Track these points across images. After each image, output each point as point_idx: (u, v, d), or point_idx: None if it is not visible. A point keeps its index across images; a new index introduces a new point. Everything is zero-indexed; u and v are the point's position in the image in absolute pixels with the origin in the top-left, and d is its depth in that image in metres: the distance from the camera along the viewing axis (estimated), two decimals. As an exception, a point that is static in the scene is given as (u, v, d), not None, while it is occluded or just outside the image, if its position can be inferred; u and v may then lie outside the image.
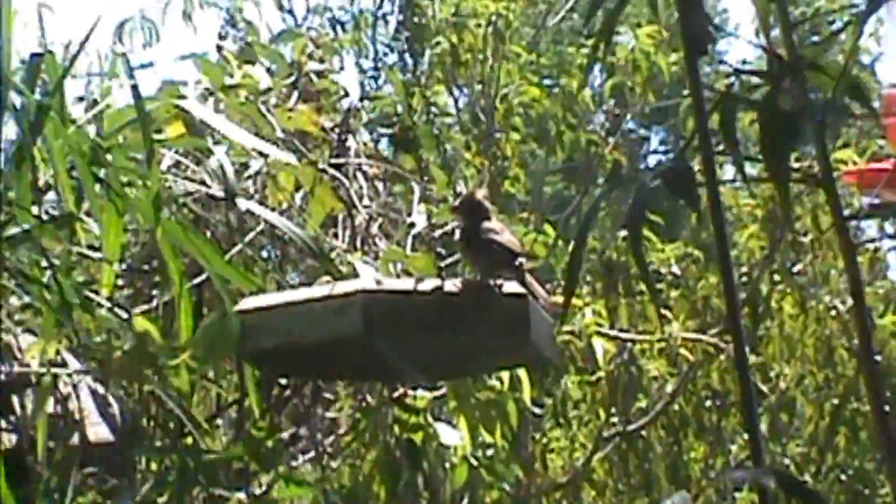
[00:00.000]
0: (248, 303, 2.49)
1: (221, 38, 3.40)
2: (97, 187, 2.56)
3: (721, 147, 1.89)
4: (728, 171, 2.18)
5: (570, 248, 1.88)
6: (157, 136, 2.77)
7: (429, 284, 2.37)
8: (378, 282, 2.43)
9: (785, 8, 1.82)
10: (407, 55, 5.94)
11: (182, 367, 2.58)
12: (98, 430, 2.99)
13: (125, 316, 2.68)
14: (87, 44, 2.62)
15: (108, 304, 2.63)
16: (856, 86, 1.73)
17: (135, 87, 2.47)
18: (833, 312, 5.28)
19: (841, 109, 1.81)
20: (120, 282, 3.01)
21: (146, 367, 2.63)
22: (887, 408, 1.77)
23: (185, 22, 5.63)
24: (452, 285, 2.37)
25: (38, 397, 2.62)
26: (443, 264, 2.81)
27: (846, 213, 1.78)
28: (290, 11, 6.30)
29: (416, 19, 6.01)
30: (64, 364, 2.76)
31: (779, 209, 5.32)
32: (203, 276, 2.84)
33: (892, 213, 1.84)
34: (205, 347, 2.56)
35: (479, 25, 5.93)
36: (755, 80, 1.85)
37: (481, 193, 2.48)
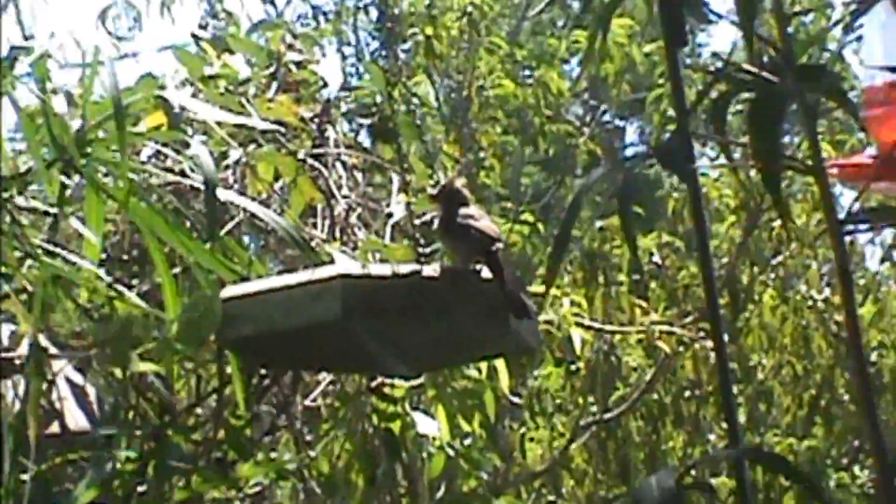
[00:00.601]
0: (227, 291, 2.50)
1: (202, 28, 3.40)
2: (77, 178, 2.59)
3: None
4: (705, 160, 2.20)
5: (555, 238, 1.89)
6: (135, 129, 2.78)
7: (407, 269, 2.39)
8: (359, 267, 2.44)
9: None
10: (386, 45, 5.96)
11: (166, 346, 2.59)
12: (77, 419, 2.99)
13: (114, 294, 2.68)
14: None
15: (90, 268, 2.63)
16: (838, 88, 1.75)
17: (113, 79, 2.49)
18: (810, 303, 5.30)
19: (837, 94, 1.83)
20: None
21: (131, 349, 2.64)
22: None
23: (163, 14, 5.65)
24: (431, 270, 2.38)
25: (29, 383, 2.62)
26: (422, 252, 2.82)
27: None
28: (272, 1, 6.33)
29: (391, 10, 6.02)
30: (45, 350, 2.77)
31: (757, 197, 5.35)
32: (181, 267, 2.85)
33: (879, 218, 1.85)
34: (189, 326, 2.57)
35: (455, 19, 5.96)
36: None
37: (460, 182, 2.49)
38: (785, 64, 1.76)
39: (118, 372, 2.86)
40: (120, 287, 2.70)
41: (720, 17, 1.93)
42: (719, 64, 1.99)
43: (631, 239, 1.98)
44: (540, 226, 5.18)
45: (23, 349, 2.70)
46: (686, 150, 1.78)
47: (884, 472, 1.76)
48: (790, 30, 1.87)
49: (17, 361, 2.74)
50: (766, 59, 1.81)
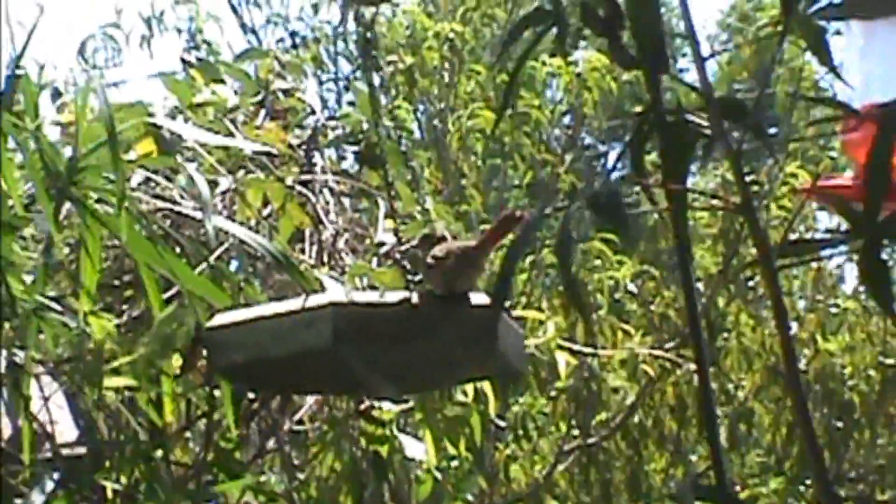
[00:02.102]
0: (218, 319, 2.53)
1: (184, 60, 3.44)
2: (67, 204, 2.62)
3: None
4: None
5: (501, 261, 1.91)
6: (126, 156, 2.82)
7: (396, 296, 2.42)
8: (349, 295, 2.47)
9: (695, 43, 1.87)
10: (367, 70, 6.00)
11: (141, 361, 2.63)
12: (67, 438, 3.03)
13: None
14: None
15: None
16: (757, 126, 1.78)
17: (107, 108, 2.52)
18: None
19: (758, 136, 1.86)
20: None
21: (100, 367, 2.67)
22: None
23: (143, 47, 5.70)
24: (420, 296, 2.42)
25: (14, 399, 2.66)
26: (411, 279, 2.85)
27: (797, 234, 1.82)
28: (253, 30, 6.37)
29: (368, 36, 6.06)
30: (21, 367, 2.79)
31: (735, 225, 5.41)
32: (173, 291, 2.88)
33: (811, 248, 1.88)
34: (161, 340, 2.61)
35: (431, 48, 6.01)
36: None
37: (440, 228, 2.53)
38: (707, 103, 1.79)
39: (111, 395, 2.90)
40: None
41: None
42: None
43: (569, 282, 1.98)
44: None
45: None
46: (615, 200, 1.79)
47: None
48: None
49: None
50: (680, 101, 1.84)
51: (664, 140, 1.77)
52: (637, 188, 1.96)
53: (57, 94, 3.66)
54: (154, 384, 2.82)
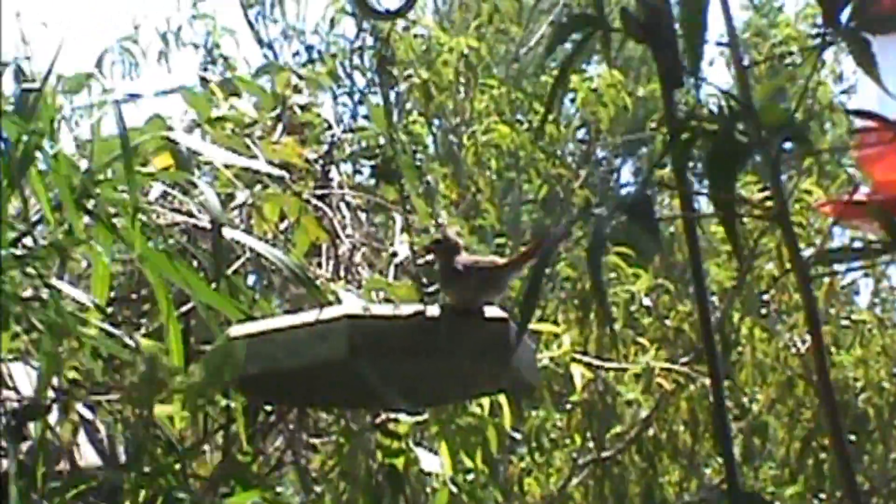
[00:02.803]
0: (233, 330, 2.55)
1: (202, 78, 3.46)
2: (86, 219, 2.64)
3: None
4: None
5: (528, 275, 1.91)
6: (144, 169, 2.84)
7: (411, 309, 2.44)
8: (364, 308, 2.49)
9: (737, 51, 1.88)
10: (383, 86, 6.03)
11: (191, 392, 2.63)
12: (86, 456, 3.04)
13: (127, 339, 2.72)
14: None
15: (108, 327, 2.68)
16: (799, 132, 1.79)
17: (121, 121, 2.54)
18: (793, 350, 5.34)
19: (802, 143, 1.86)
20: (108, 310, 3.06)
21: (157, 392, 2.67)
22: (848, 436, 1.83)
23: (160, 62, 5.74)
24: (434, 309, 2.43)
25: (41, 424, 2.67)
26: (426, 292, 2.87)
27: (811, 249, 1.83)
28: (269, 45, 6.40)
29: (386, 52, 6.09)
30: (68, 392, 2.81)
31: (749, 240, 5.41)
32: (189, 305, 2.90)
33: (847, 257, 1.89)
34: (211, 372, 2.61)
35: (445, 63, 6.03)
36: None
37: (453, 231, 2.54)
38: (744, 111, 1.79)
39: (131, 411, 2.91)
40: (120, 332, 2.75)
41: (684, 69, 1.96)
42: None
43: (600, 287, 1.99)
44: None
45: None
46: (647, 205, 1.79)
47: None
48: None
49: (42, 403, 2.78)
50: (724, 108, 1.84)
51: (712, 148, 1.78)
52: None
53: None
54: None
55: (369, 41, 6.13)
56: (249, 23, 6.50)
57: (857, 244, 2.07)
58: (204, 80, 3.37)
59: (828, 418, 1.87)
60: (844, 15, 1.77)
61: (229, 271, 2.95)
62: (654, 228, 1.78)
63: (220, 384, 2.59)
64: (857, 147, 2.48)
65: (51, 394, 2.71)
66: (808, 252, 5.20)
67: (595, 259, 1.78)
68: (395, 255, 3.09)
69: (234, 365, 2.49)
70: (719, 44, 1.89)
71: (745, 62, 1.86)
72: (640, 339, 4.90)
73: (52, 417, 2.79)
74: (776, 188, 1.81)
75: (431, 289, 2.89)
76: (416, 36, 6.17)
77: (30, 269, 2.52)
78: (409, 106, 5.83)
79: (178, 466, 3.00)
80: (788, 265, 4.92)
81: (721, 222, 1.81)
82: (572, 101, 6.30)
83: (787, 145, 1.79)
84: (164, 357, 2.68)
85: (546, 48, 2.06)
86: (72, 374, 2.74)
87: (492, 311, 2.43)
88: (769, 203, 1.89)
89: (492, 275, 2.41)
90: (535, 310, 2.12)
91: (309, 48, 6.37)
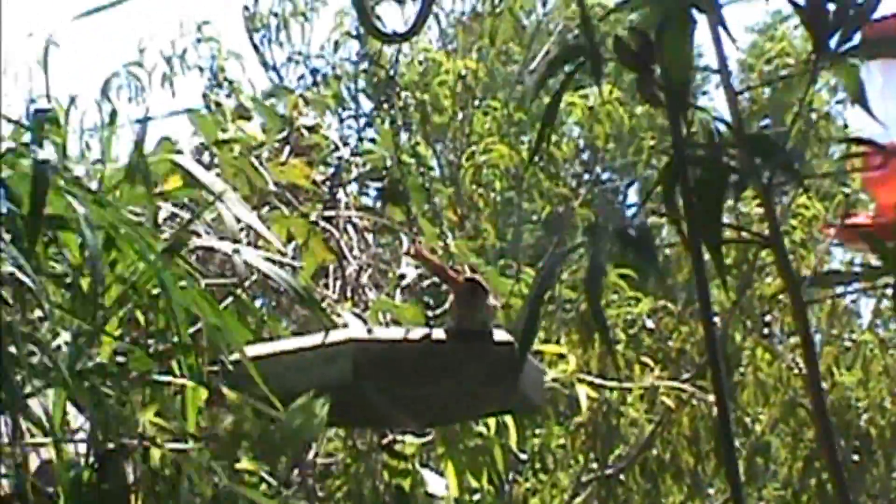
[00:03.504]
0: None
1: (206, 98, 3.49)
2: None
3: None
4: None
5: (529, 298, 1.92)
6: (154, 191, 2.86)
7: (418, 333, 2.46)
8: (369, 331, 2.51)
9: (727, 78, 1.90)
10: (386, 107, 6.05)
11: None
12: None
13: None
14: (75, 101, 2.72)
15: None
16: (788, 161, 1.81)
17: (137, 144, 2.56)
18: (796, 371, 5.36)
19: (791, 173, 1.88)
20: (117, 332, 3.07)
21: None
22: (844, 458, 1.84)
23: (164, 86, 5.77)
24: (441, 332, 2.45)
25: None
26: (431, 314, 2.89)
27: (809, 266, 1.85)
28: (274, 67, 6.42)
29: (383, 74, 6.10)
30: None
31: (749, 258, 5.43)
32: (197, 326, 2.91)
33: (841, 280, 1.91)
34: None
35: (443, 83, 6.06)
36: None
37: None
38: (736, 139, 1.81)
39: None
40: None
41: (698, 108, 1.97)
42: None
43: (599, 316, 1.99)
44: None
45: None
46: (645, 235, 1.81)
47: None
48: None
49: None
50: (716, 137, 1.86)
51: (700, 175, 1.80)
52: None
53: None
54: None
55: (377, 62, 6.15)
56: (255, 46, 6.53)
57: (859, 263, 2.09)
58: (216, 104, 3.39)
59: (823, 440, 1.89)
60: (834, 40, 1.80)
61: (238, 291, 2.96)
62: (653, 258, 1.80)
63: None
64: (863, 169, 2.49)
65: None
66: (805, 270, 5.25)
67: (593, 289, 1.80)
68: (402, 277, 3.11)
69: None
70: (712, 71, 1.91)
71: (738, 87, 1.88)
72: (644, 360, 4.92)
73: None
74: (769, 214, 1.84)
75: (438, 311, 2.91)
76: (413, 59, 6.21)
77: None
78: (414, 128, 5.85)
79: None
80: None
81: (707, 248, 1.81)
82: (576, 123, 6.32)
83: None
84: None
85: (538, 79, 2.09)
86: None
87: (499, 335, 2.45)
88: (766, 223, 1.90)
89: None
90: (537, 332, 2.13)
91: (314, 71, 6.40)
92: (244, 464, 2.68)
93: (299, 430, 2.55)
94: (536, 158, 5.85)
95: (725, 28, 1.86)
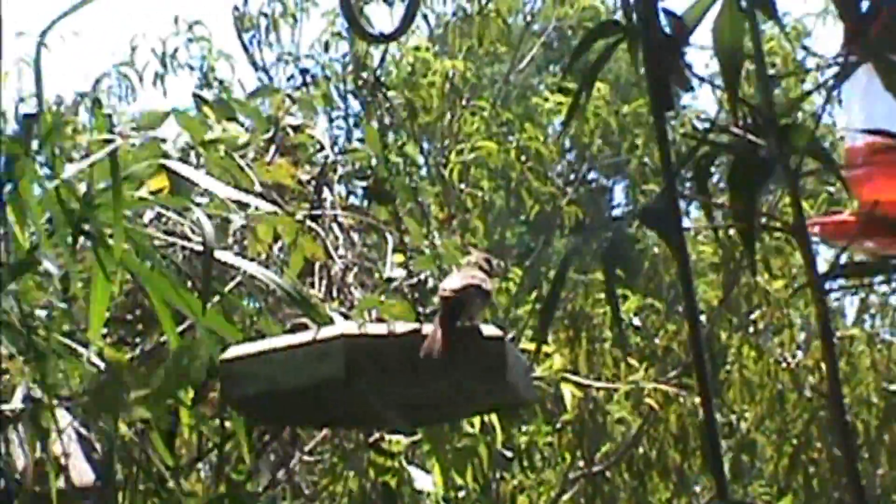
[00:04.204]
0: (231, 351, 2.57)
1: (196, 95, 3.49)
2: (82, 240, 2.67)
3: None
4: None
5: (545, 298, 1.94)
6: (139, 193, 2.87)
7: (408, 328, 2.46)
8: (360, 327, 2.51)
9: (763, 64, 1.91)
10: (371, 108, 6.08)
11: (158, 393, 2.66)
12: (82, 474, 3.06)
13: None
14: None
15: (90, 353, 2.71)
16: (822, 151, 1.82)
17: (112, 150, 2.57)
18: (784, 365, 5.39)
19: (826, 162, 1.89)
20: (103, 330, 3.09)
21: (120, 397, 2.70)
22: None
23: (156, 85, 5.79)
24: (431, 328, 2.46)
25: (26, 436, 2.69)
26: (421, 311, 2.90)
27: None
28: (264, 68, 6.44)
29: (367, 72, 6.12)
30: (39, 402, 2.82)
31: (736, 255, 5.45)
32: (186, 324, 2.93)
33: (867, 272, 1.92)
34: (176, 373, 2.64)
35: (431, 84, 6.08)
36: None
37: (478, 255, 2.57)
38: (767, 126, 1.81)
39: (123, 427, 2.94)
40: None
41: (704, 80, 1.98)
42: (706, 124, 2.05)
43: (614, 302, 2.01)
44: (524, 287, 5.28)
45: (17, 401, 2.76)
46: (673, 212, 1.83)
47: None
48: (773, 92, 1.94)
49: (11, 413, 2.79)
50: (748, 121, 1.86)
51: (734, 163, 1.80)
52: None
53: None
54: (168, 416, 2.85)
55: (362, 63, 6.16)
56: (244, 46, 6.54)
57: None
58: (198, 98, 3.39)
59: (838, 431, 1.90)
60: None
61: (225, 290, 2.97)
62: (677, 234, 1.80)
63: (185, 384, 2.62)
64: (845, 167, 2.50)
65: (20, 403, 2.73)
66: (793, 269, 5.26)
67: (611, 270, 1.81)
68: (390, 280, 3.12)
69: (199, 365, 2.52)
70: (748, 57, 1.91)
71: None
72: (630, 359, 4.94)
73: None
74: (795, 202, 1.84)
75: (429, 309, 2.92)
76: (402, 58, 6.22)
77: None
78: (401, 127, 5.87)
79: (172, 485, 3.03)
80: (805, 279, 4.95)
81: (741, 236, 1.84)
82: (562, 124, 6.34)
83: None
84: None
85: (573, 53, 2.08)
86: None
87: (488, 329, 2.46)
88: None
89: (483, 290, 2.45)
90: (554, 314, 2.14)
91: (304, 72, 6.42)
92: (130, 414, 2.70)
93: (184, 373, 2.57)
94: (524, 157, 5.88)
95: (776, 13, 1.87)
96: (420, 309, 2.86)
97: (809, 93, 2.04)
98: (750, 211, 1.77)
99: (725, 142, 1.85)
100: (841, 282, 1.91)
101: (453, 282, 2.47)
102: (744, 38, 1.80)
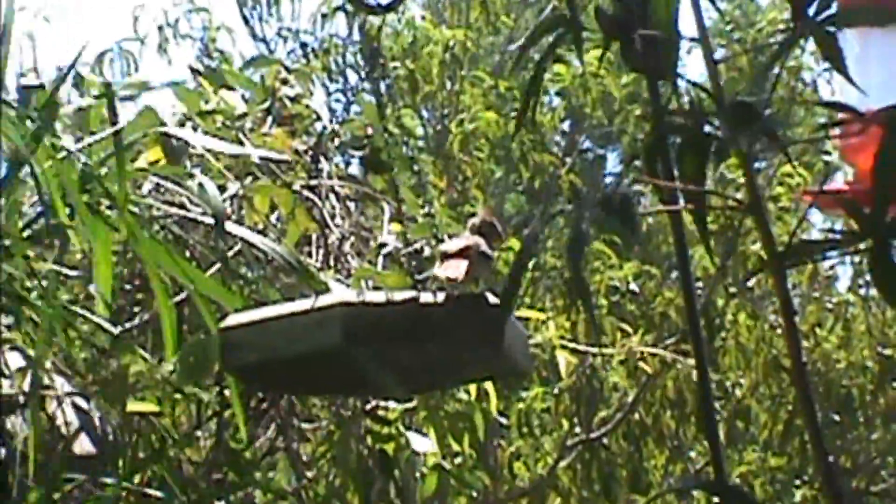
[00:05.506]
0: (230, 320, 2.60)
1: (192, 69, 3.51)
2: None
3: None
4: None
5: (513, 261, 1.95)
6: (136, 164, 2.89)
7: (406, 295, 2.48)
8: (358, 295, 2.53)
9: (708, 46, 1.93)
10: (372, 77, 6.09)
11: (165, 386, 2.69)
12: (82, 443, 3.09)
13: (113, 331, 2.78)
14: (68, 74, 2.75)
15: (96, 320, 2.74)
16: (769, 127, 1.83)
17: (113, 117, 2.59)
18: (779, 331, 5.41)
19: (771, 138, 1.91)
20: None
21: (128, 389, 2.72)
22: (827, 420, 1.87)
23: (160, 54, 5.81)
24: (430, 296, 2.48)
25: (30, 415, 2.71)
26: (417, 279, 2.92)
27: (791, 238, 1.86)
28: (264, 40, 6.45)
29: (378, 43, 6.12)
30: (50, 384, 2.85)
31: (733, 223, 5.47)
32: (183, 295, 2.94)
33: (821, 248, 1.94)
34: (187, 368, 2.67)
35: (431, 55, 6.09)
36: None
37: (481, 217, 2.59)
38: (716, 107, 1.83)
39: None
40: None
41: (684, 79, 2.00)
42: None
43: (580, 283, 2.01)
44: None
45: (25, 385, 2.78)
46: (626, 203, 1.83)
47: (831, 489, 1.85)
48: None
49: (21, 397, 2.82)
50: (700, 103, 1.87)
51: (682, 143, 1.82)
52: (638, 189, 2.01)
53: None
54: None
55: (359, 37, 6.18)
56: (245, 18, 6.56)
57: (838, 231, 2.12)
58: (194, 71, 3.41)
59: (802, 404, 1.91)
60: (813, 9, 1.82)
61: (226, 258, 3.00)
62: (633, 225, 1.82)
63: (196, 380, 2.64)
64: (842, 136, 2.53)
65: (26, 387, 2.75)
66: (787, 238, 5.29)
67: (575, 255, 1.82)
68: (382, 245, 3.14)
69: (210, 361, 2.54)
70: (691, 39, 1.93)
71: (717, 56, 1.91)
72: (625, 326, 4.97)
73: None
74: (749, 180, 1.86)
75: (422, 276, 2.94)
76: (403, 28, 6.23)
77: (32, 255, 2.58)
78: (399, 99, 5.88)
79: (171, 453, 3.06)
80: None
81: (692, 216, 1.85)
82: (557, 94, 6.35)
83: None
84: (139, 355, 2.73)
85: (520, 48, 2.09)
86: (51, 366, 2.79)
87: (491, 298, 2.48)
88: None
89: (485, 255, 2.47)
90: (518, 293, 2.15)
91: (303, 45, 6.43)
92: (135, 406, 2.73)
93: (194, 369, 2.59)
94: (514, 134, 5.90)
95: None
96: (417, 276, 2.88)
97: (767, 66, 2.05)
98: (699, 191, 1.80)
99: (676, 123, 1.86)
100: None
101: (455, 244, 2.49)
102: (677, 12, 1.83)
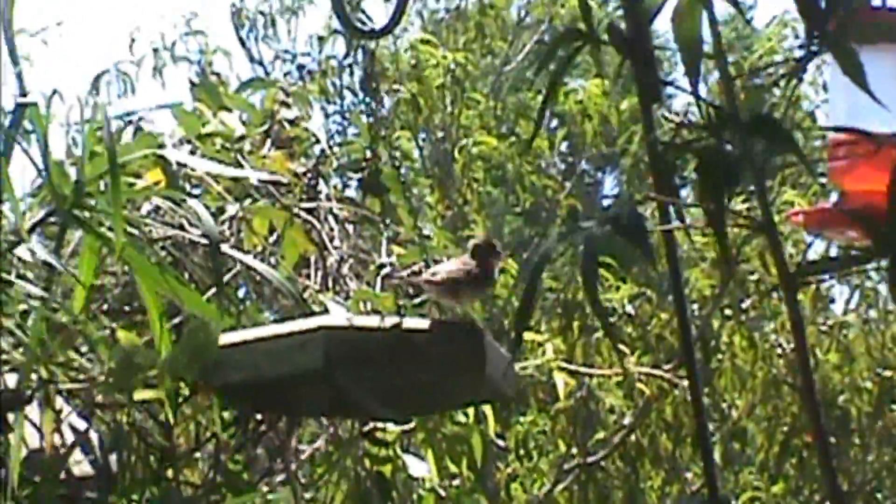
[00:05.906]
0: (220, 339, 2.62)
1: (192, 82, 3.53)
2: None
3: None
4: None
5: (523, 290, 1.95)
6: (135, 183, 2.90)
7: (389, 321, 2.50)
8: (347, 319, 2.55)
9: (724, 61, 1.93)
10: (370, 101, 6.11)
11: (167, 371, 2.69)
12: (81, 465, 3.09)
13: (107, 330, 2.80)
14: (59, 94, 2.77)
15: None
16: (788, 140, 1.84)
17: (109, 139, 2.60)
18: (779, 351, 5.42)
19: (792, 151, 1.91)
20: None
21: (132, 379, 2.73)
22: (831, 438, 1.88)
23: (155, 77, 5.83)
24: (415, 322, 2.50)
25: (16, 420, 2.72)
26: (408, 303, 2.93)
27: (797, 259, 1.88)
28: (261, 63, 6.48)
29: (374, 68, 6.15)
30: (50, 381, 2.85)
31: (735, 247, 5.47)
32: (180, 318, 2.95)
33: (835, 266, 1.95)
34: (188, 353, 2.67)
35: (436, 76, 6.11)
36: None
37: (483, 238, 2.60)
38: (731, 122, 1.83)
39: (121, 416, 2.97)
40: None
41: (681, 89, 2.00)
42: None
43: (595, 302, 2.02)
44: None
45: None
46: (639, 221, 1.82)
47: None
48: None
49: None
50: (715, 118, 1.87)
51: (702, 162, 1.82)
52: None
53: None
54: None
55: (358, 58, 6.20)
56: (241, 41, 6.59)
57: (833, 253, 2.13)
58: (193, 85, 3.42)
59: (812, 423, 1.91)
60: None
61: (222, 282, 3.00)
62: (646, 244, 1.82)
63: (197, 366, 2.65)
64: (830, 160, 2.54)
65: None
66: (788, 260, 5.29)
67: (590, 276, 1.82)
68: (382, 267, 3.15)
69: (210, 347, 2.56)
70: (708, 56, 1.93)
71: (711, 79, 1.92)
72: (623, 347, 4.97)
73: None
74: (762, 198, 1.86)
75: (416, 300, 2.95)
76: (405, 50, 6.25)
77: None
78: (396, 121, 5.90)
79: (170, 474, 3.06)
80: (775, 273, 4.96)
81: (714, 234, 1.84)
82: (555, 115, 6.37)
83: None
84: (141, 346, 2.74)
85: (539, 63, 2.09)
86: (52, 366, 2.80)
87: (471, 324, 2.50)
88: (750, 212, 1.93)
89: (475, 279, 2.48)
90: (530, 321, 2.15)
91: (300, 67, 6.46)
92: (141, 394, 2.74)
93: (198, 351, 2.60)
94: (523, 153, 5.91)
95: (739, 8, 1.89)
96: (413, 300, 2.90)
97: (776, 82, 2.06)
98: (719, 212, 1.80)
99: (692, 143, 1.86)
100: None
101: (446, 267, 2.51)
102: (700, 27, 1.83)
